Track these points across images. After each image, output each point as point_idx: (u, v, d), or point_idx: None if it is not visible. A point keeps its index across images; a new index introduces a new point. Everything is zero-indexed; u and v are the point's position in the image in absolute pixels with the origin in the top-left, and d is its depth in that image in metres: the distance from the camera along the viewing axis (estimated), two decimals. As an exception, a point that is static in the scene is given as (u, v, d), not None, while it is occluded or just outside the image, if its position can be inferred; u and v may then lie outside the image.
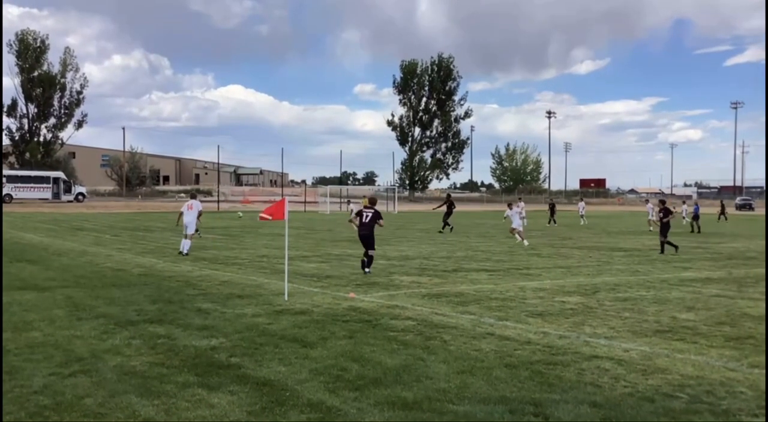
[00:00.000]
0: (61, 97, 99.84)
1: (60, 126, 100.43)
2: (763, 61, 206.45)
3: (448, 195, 39.45)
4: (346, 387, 6.50)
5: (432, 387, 6.53)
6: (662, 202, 24.18)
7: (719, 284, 14.66)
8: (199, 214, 21.30)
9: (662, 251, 22.33)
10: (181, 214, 21.03)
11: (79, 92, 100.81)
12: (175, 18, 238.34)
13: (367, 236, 16.71)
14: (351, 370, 7.10)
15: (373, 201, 17.77)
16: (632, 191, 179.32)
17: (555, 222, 42.07)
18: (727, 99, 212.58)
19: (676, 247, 22.54)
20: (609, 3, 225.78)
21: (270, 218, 12.59)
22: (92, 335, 8.79)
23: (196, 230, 22.16)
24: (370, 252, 16.66)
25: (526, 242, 25.31)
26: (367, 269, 16.47)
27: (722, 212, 51.90)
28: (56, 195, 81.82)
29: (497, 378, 6.87)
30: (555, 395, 6.31)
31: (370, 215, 16.89)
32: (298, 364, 7.35)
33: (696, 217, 37.23)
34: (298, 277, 14.94)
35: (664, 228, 22.75)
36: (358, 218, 17.08)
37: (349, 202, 43.79)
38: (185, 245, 20.38)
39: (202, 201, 22.84)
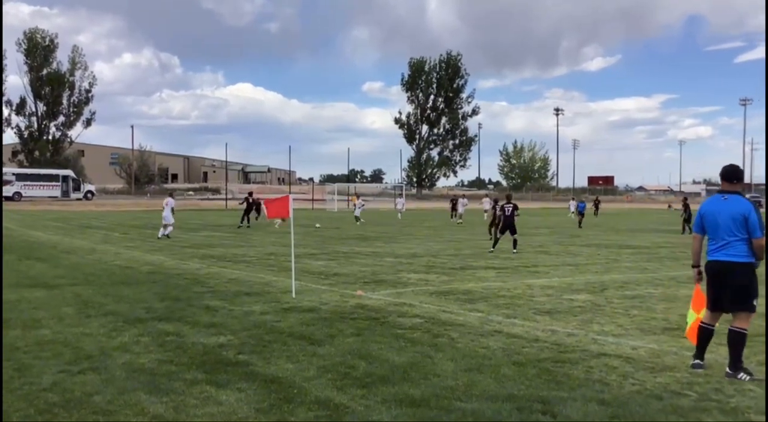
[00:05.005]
0: (70, 95, 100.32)
1: (69, 124, 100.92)
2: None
3: (250, 193, 39.49)
4: (354, 384, 6.50)
5: (439, 384, 6.52)
6: (495, 200, 27.48)
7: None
8: (172, 209, 27.14)
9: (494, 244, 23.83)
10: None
11: (88, 90, 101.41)
12: (186, 16, 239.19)
13: (510, 225, 21.66)
14: (359, 368, 7.10)
15: (509, 196, 23.59)
16: (641, 188, 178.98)
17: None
18: (737, 96, 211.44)
19: (495, 241, 23.04)
20: (621, 0, 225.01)
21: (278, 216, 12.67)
22: (101, 332, 8.82)
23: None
24: (515, 236, 21.66)
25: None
26: (515, 251, 21.11)
27: (596, 208, 54.89)
28: (65, 193, 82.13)
29: (505, 375, 6.86)
30: (563, 393, 6.29)
31: (511, 208, 21.88)
32: (305, 362, 7.35)
33: (581, 213, 40.94)
34: (306, 275, 14.96)
35: (499, 222, 24.54)
36: (501, 211, 22.13)
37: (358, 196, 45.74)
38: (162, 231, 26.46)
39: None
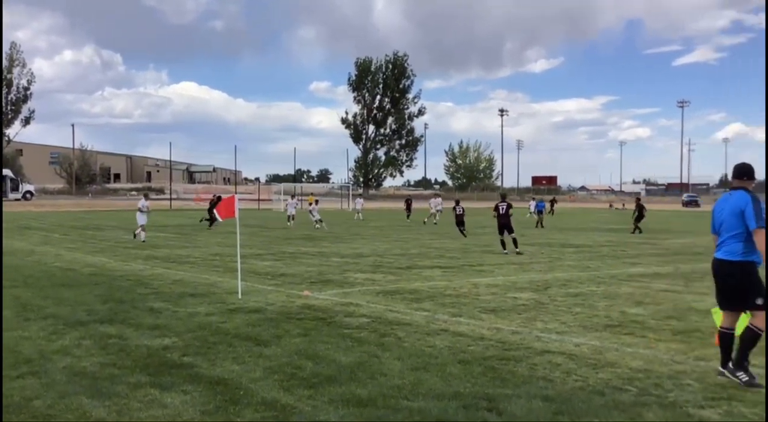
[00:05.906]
0: (8, 93, 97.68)
1: (6, 123, 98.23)
2: (711, 61, 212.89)
3: (218, 197, 39.24)
4: (301, 385, 6.49)
5: (386, 383, 6.55)
6: (457, 201, 28.91)
7: (667, 279, 14.98)
8: (142, 210, 25.90)
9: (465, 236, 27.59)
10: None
11: (26, 88, 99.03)
12: (128, 13, 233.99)
13: (506, 224, 21.33)
14: (305, 368, 7.08)
15: (504, 196, 23.25)
16: (583, 188, 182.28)
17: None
18: (674, 98, 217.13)
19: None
20: (563, 4, 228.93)
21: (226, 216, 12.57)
22: (41, 336, 8.61)
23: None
24: (513, 235, 21.23)
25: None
26: (517, 250, 20.68)
27: (551, 208, 56.93)
28: (3, 193, 79.84)
29: (451, 374, 6.92)
30: (508, 390, 6.38)
31: (505, 207, 21.53)
32: (252, 363, 7.30)
33: (540, 212, 41.01)
34: (252, 275, 14.84)
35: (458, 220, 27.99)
36: (496, 210, 21.67)
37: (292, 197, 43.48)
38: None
39: (153, 199, 25.91)
